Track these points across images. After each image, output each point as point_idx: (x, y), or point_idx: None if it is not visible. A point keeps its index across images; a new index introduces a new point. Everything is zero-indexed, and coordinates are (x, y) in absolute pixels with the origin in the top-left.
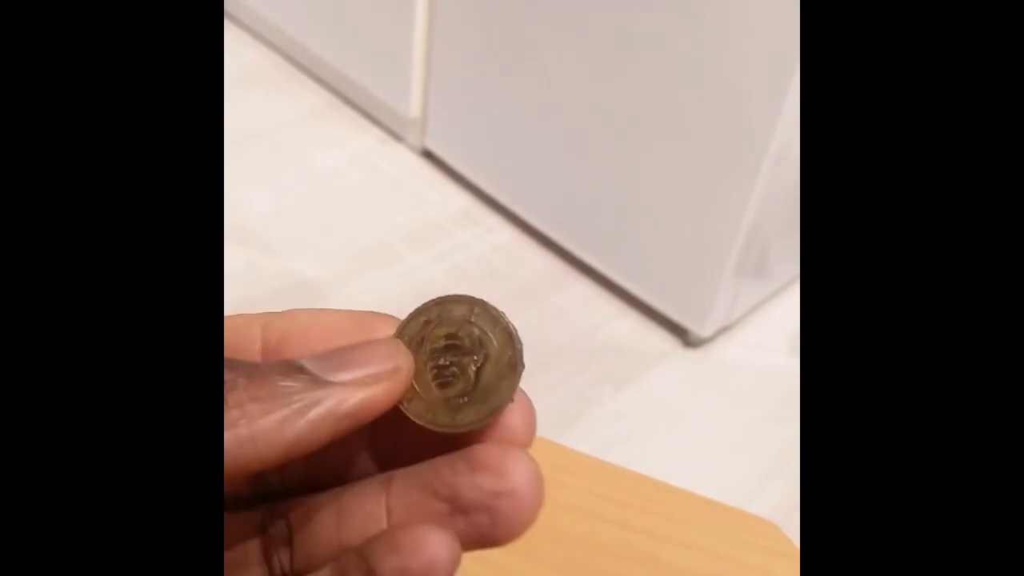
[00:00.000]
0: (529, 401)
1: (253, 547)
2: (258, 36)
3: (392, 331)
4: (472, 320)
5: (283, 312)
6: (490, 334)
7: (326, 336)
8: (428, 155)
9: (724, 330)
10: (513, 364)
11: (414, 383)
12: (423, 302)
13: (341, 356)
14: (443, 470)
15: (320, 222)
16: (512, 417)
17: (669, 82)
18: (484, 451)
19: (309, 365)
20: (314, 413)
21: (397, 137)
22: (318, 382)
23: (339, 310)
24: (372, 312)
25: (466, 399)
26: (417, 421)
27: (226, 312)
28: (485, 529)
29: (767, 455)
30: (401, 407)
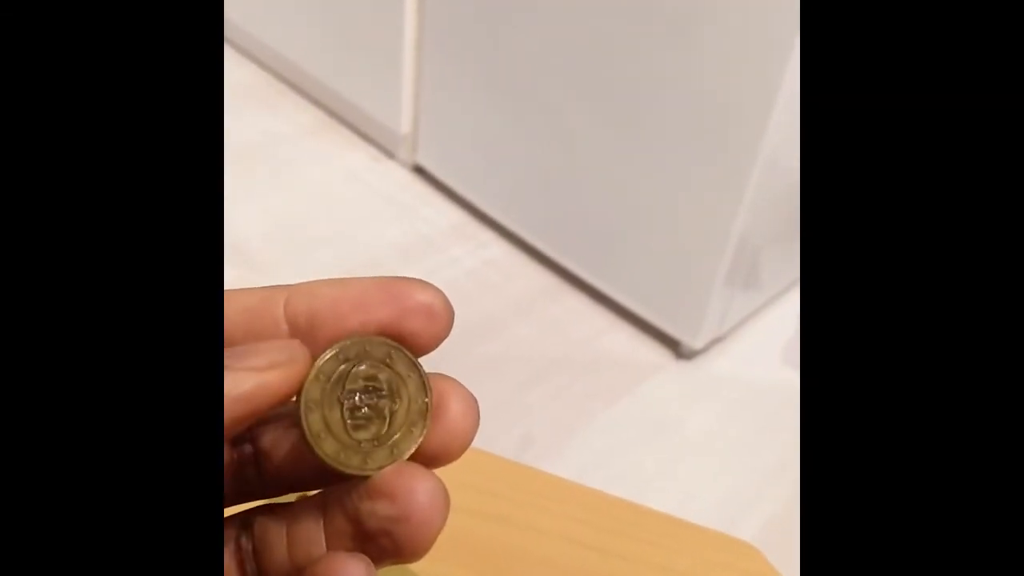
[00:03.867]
0: (471, 396)
1: (229, 559)
2: (249, 55)
3: (425, 295)
4: (389, 363)
5: (301, 285)
6: (405, 380)
7: (357, 309)
8: (419, 171)
9: (716, 341)
10: (423, 412)
11: (327, 422)
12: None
13: (237, 349)
14: (352, 493)
15: (312, 239)
16: (452, 408)
17: (657, 95)
18: (380, 476)
19: None
20: None
21: (388, 153)
22: None
23: (365, 278)
24: (400, 278)
25: (376, 443)
26: (327, 462)
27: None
28: (390, 551)
29: (760, 466)
30: (313, 446)
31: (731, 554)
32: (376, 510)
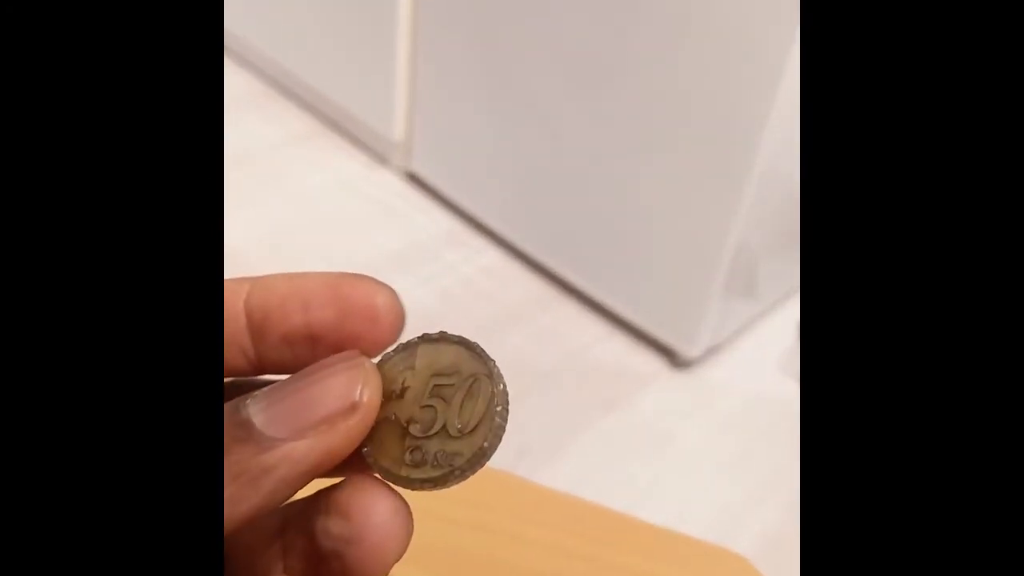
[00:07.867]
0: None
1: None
2: (243, 61)
3: (368, 297)
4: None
5: (262, 279)
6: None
7: (302, 308)
8: (413, 178)
9: (713, 351)
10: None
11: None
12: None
13: (291, 401)
14: (313, 507)
15: (306, 246)
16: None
17: (653, 102)
18: (337, 489)
19: (256, 418)
20: (267, 483)
21: (382, 160)
22: (264, 445)
23: (316, 274)
24: (352, 275)
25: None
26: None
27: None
28: None
29: (756, 477)
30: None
31: (721, 565)
32: (329, 528)
